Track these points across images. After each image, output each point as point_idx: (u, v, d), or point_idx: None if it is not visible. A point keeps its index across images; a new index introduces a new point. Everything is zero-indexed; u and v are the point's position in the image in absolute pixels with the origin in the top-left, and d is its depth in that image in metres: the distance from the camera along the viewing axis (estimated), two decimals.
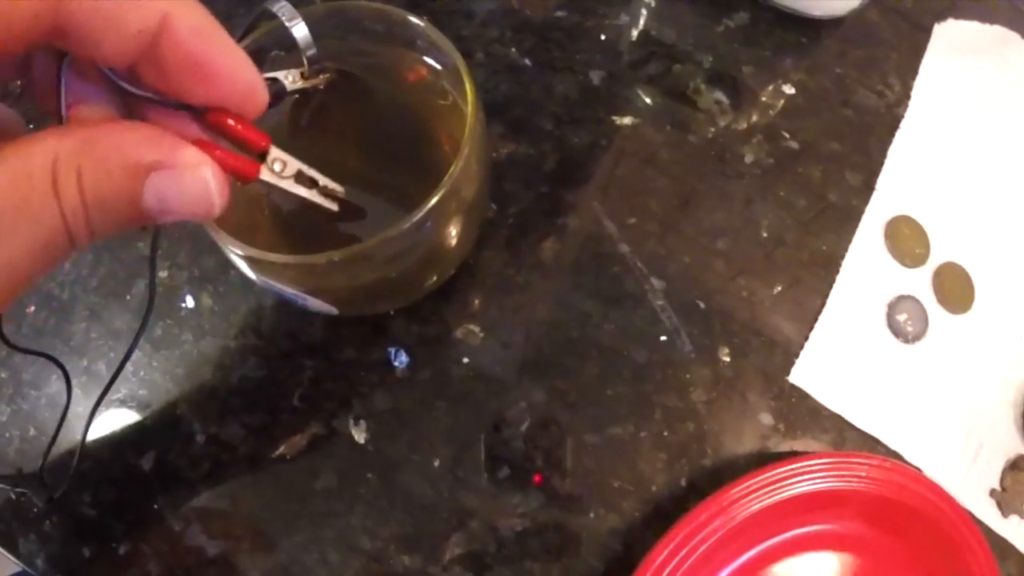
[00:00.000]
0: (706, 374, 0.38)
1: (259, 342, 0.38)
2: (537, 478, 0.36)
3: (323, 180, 0.24)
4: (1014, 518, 0.42)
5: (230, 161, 0.21)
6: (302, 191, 0.24)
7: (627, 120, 0.41)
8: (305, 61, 0.33)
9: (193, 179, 0.19)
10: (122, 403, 0.38)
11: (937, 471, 0.39)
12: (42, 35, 0.17)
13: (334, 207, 0.25)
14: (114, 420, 0.38)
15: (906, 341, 0.41)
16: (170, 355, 0.38)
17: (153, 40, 0.18)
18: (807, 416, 0.38)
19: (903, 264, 0.42)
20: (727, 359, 0.38)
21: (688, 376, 0.38)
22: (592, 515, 0.36)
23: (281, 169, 0.23)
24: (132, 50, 0.19)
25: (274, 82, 0.31)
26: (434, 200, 0.29)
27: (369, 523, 0.36)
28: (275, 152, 0.22)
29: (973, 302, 0.42)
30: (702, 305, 0.39)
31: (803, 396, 0.39)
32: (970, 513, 0.39)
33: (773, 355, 0.39)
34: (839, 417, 0.39)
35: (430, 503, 0.36)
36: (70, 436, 0.37)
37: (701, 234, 0.40)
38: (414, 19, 0.32)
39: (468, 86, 0.30)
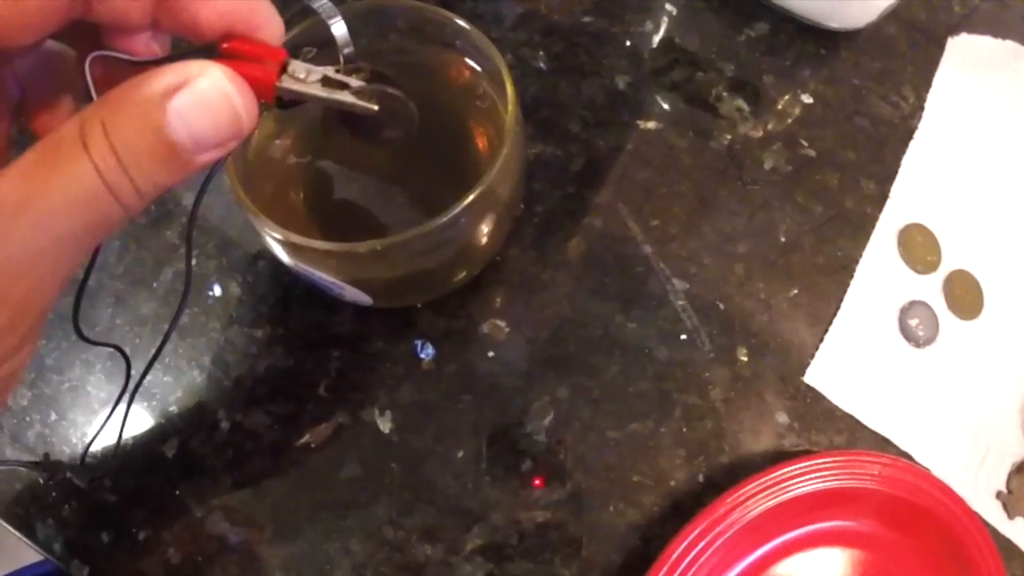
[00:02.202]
0: (724, 373, 0.39)
1: (286, 332, 0.38)
2: (541, 482, 0.37)
3: (355, 82, 0.22)
4: (1020, 520, 0.43)
5: (244, 69, 0.20)
6: (333, 96, 0.22)
7: (651, 124, 0.42)
8: (342, 59, 0.33)
9: (211, 86, 0.19)
10: (146, 390, 0.38)
11: (946, 472, 0.40)
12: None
13: (373, 107, 0.23)
14: (138, 407, 0.38)
15: (917, 345, 0.42)
16: (196, 343, 0.38)
17: None
18: (821, 416, 0.39)
19: (915, 270, 0.43)
20: (745, 359, 0.39)
21: (707, 375, 0.39)
22: (612, 509, 0.37)
23: (305, 76, 0.21)
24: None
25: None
26: (472, 196, 0.30)
27: (392, 513, 0.36)
28: (296, 63, 0.21)
29: (982, 309, 0.44)
30: (722, 306, 0.40)
31: (818, 397, 0.40)
32: (977, 514, 0.40)
33: (789, 356, 0.40)
34: (852, 418, 0.40)
35: (453, 494, 0.37)
36: (97, 422, 0.38)
37: (721, 238, 0.41)
38: (458, 20, 0.32)
39: (509, 87, 0.31)
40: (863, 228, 0.43)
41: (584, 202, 0.40)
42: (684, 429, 0.38)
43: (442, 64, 0.35)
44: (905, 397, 0.41)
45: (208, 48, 0.20)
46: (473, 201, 0.30)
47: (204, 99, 0.18)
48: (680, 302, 0.39)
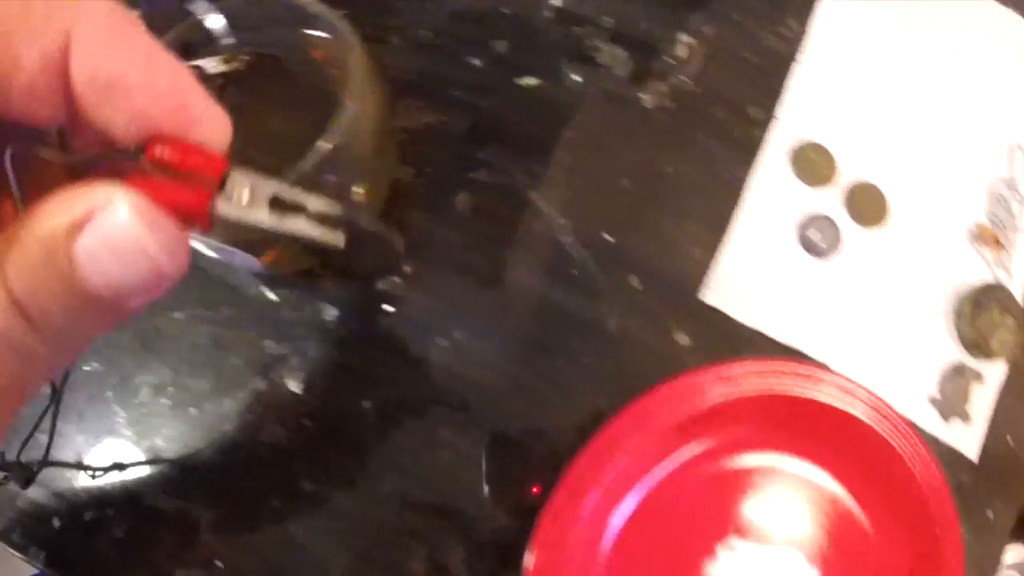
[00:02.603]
0: (619, 303, 0.40)
1: (204, 310, 0.41)
2: (447, 425, 0.38)
3: (314, 201, 0.17)
4: (957, 423, 0.42)
5: (167, 194, 0.16)
6: (286, 223, 0.17)
7: (532, 81, 0.44)
8: (224, 49, 0.37)
9: (117, 223, 0.15)
10: (75, 379, 0.41)
11: (867, 379, 0.40)
12: None
13: (338, 239, 0.18)
14: (69, 395, 0.41)
15: (819, 256, 0.42)
16: (121, 327, 0.41)
17: (61, 66, 0.15)
18: (724, 335, 0.40)
19: (811, 186, 0.43)
20: (638, 286, 0.40)
21: (602, 307, 0.40)
22: (517, 442, 0.38)
23: (248, 198, 0.17)
24: (49, 89, 0.15)
25: (196, 70, 0.35)
26: (324, 147, 0.32)
27: (310, 468, 0.38)
28: (238, 176, 0.17)
29: (888, 216, 0.43)
30: (611, 239, 0.41)
31: (718, 316, 0.40)
32: (909, 420, 0.39)
33: (684, 280, 0.40)
34: (759, 334, 0.40)
35: (364, 444, 0.38)
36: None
37: (607, 176, 0.42)
38: (311, 4, 0.36)
39: (353, 45, 0.34)
40: (754, 152, 0.43)
41: (470, 160, 0.42)
42: (585, 360, 0.39)
43: (310, 43, 0.39)
44: (813, 308, 0.41)
45: (133, 153, 0.16)
46: (324, 158, 0.32)
47: (112, 239, 0.15)
48: (568, 238, 0.41)
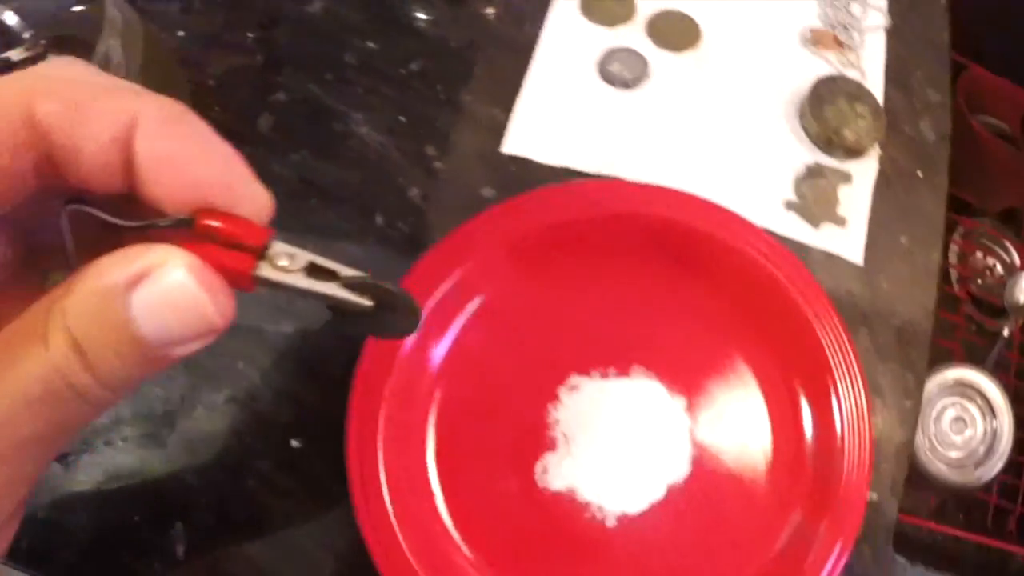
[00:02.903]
0: (419, 174, 0.38)
1: None
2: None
3: (345, 270, 0.20)
4: (830, 227, 0.38)
5: (216, 257, 0.17)
6: (318, 287, 0.19)
7: (316, 7, 0.45)
8: (24, 40, 0.40)
9: (174, 280, 0.16)
10: None
11: (711, 194, 0.36)
12: (34, 167, 0.17)
13: (366, 303, 0.20)
14: None
15: (627, 87, 0.39)
16: None
17: (127, 146, 0.17)
18: (532, 181, 0.37)
19: (608, 26, 0.41)
20: (435, 154, 0.39)
21: (402, 180, 0.38)
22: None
23: (288, 263, 0.19)
24: (112, 162, 0.17)
25: (6, 61, 0.38)
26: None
27: None
28: (279, 246, 0.19)
29: (700, 39, 0.41)
30: (403, 119, 0.40)
31: (524, 163, 0.38)
32: (774, 233, 0.35)
33: (484, 137, 0.39)
34: (570, 172, 0.37)
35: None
36: None
37: (393, 64, 0.42)
38: None
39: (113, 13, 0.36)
40: (544, 11, 0.42)
41: (270, 85, 0.43)
42: (389, 230, 0.37)
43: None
44: (629, 137, 0.38)
45: (185, 222, 0.18)
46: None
47: (168, 295, 0.16)
48: (363, 129, 0.40)
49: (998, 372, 0.51)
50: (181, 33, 0.45)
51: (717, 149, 0.38)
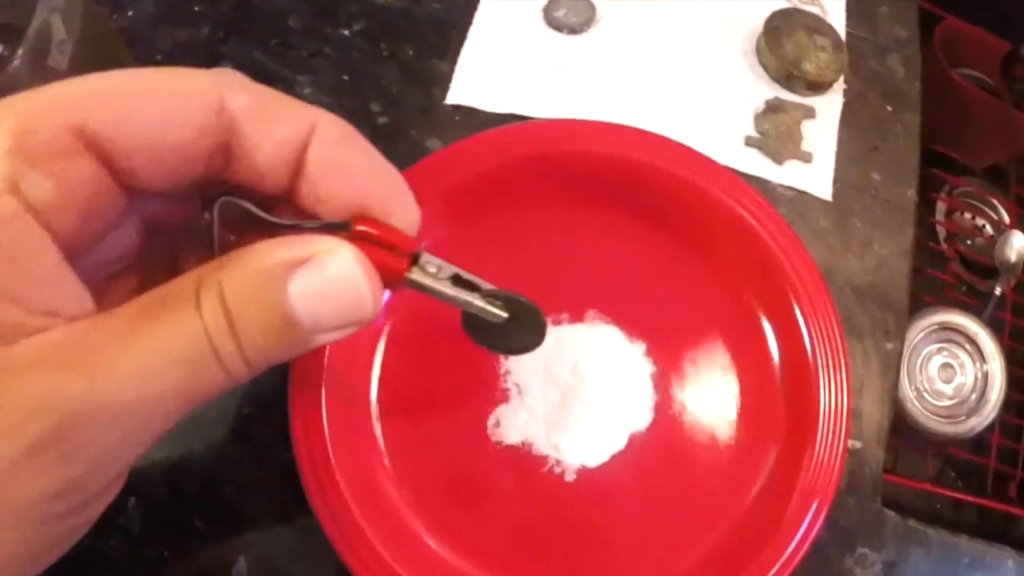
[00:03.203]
0: (363, 128, 0.36)
1: None
2: None
3: (486, 285, 0.21)
4: (792, 163, 0.36)
5: (374, 255, 0.19)
6: (462, 295, 0.21)
7: None
8: None
9: (339, 267, 0.17)
10: None
11: (666, 133, 0.34)
12: (209, 152, 0.18)
13: (502, 314, 0.22)
14: None
15: (573, 32, 0.38)
16: None
17: (302, 149, 0.18)
18: (478, 130, 0.35)
19: None
20: (379, 109, 0.37)
21: None
22: None
23: (436, 272, 0.20)
24: (286, 161, 0.18)
25: None
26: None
27: None
28: (427, 256, 0.20)
29: None
30: (346, 78, 0.38)
31: (469, 112, 0.36)
32: (735, 171, 0.33)
33: (429, 90, 0.37)
34: (516, 120, 0.36)
35: None
36: None
37: (336, 26, 0.40)
38: None
39: None
40: None
41: (214, 55, 0.42)
42: None
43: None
44: (576, 82, 0.37)
45: (339, 225, 0.19)
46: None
47: (330, 280, 0.17)
48: (307, 91, 0.38)
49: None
50: (131, 13, 0.44)
51: (671, 89, 0.37)
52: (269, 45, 0.41)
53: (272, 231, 0.19)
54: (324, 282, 0.17)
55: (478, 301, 0.21)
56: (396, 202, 0.19)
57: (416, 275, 0.20)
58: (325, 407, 0.29)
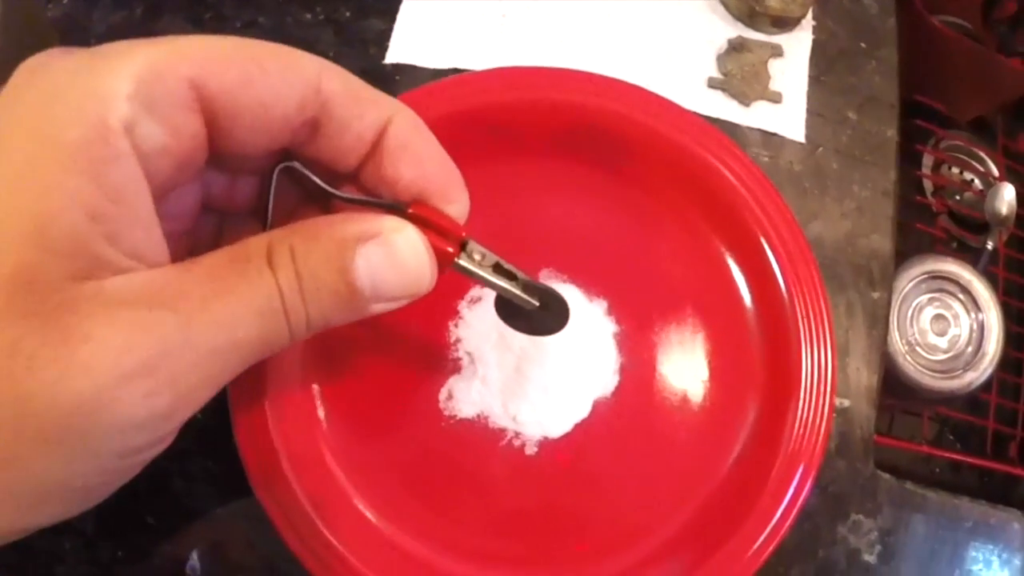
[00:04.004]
0: None
1: None
2: None
3: (522, 274, 0.23)
4: (760, 104, 0.33)
5: (431, 237, 0.20)
6: (502, 282, 0.22)
7: None
8: None
9: (405, 243, 0.19)
10: None
11: (624, 77, 0.32)
12: (301, 126, 0.19)
13: (535, 302, 0.23)
14: None
15: None
16: None
17: (381, 133, 0.20)
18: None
19: None
20: None
21: None
22: None
23: (480, 259, 0.22)
24: (367, 143, 0.20)
25: None
26: None
27: None
28: (473, 244, 0.22)
29: None
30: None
31: (410, 71, 0.34)
32: (699, 114, 0.31)
33: (367, 51, 0.35)
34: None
35: None
36: None
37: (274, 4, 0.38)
38: None
39: None
40: None
41: (149, 33, 0.39)
42: None
43: None
44: (523, 31, 0.34)
45: (396, 205, 0.20)
46: None
47: (395, 253, 0.19)
48: None
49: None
50: (65, 0, 0.42)
51: (625, 32, 0.34)
52: (203, 19, 0.39)
53: (326, 203, 0.21)
54: (389, 255, 0.19)
55: (516, 290, 0.23)
56: (452, 191, 0.21)
57: (464, 260, 0.21)
58: (266, 391, 0.26)
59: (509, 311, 0.24)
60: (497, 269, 0.22)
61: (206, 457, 0.30)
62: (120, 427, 0.16)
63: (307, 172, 0.20)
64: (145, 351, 0.16)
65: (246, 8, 0.38)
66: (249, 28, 0.38)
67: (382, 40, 0.35)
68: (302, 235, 0.18)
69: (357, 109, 0.19)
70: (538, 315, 0.24)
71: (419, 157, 0.20)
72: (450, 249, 0.21)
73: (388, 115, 0.20)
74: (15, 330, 0.15)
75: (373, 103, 0.20)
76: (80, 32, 0.40)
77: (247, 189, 0.22)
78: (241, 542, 0.29)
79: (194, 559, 0.29)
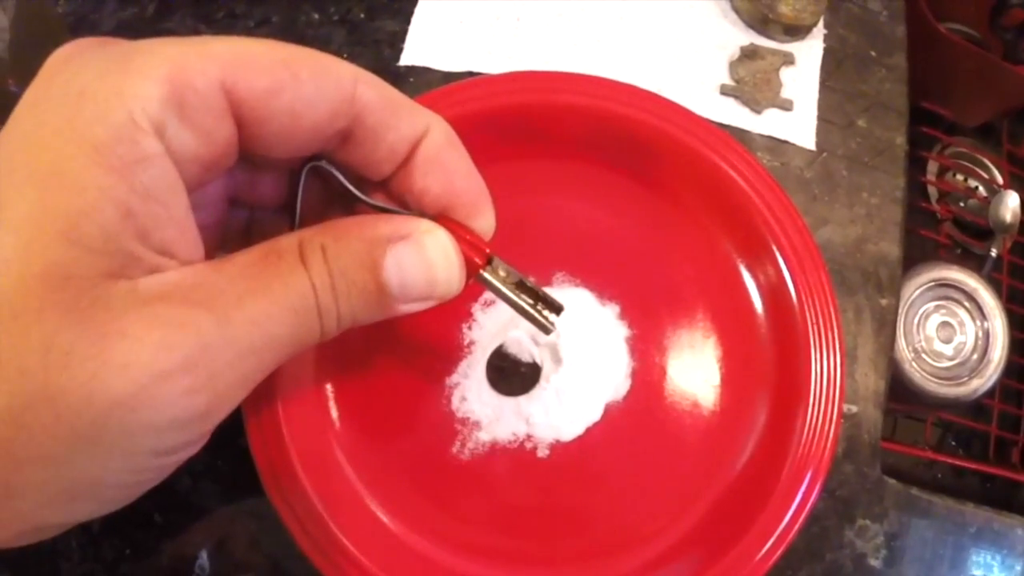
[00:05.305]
0: None
1: None
2: None
3: (543, 292, 0.23)
4: (771, 112, 0.34)
5: (460, 246, 0.20)
6: (522, 301, 0.22)
7: None
8: None
9: (435, 245, 0.19)
10: None
11: (637, 83, 0.32)
12: (331, 135, 0.19)
13: (552, 327, 0.23)
14: None
15: None
16: None
17: (416, 145, 0.20)
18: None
19: None
20: None
21: None
22: None
23: (504, 276, 0.22)
24: (400, 154, 0.20)
25: None
26: None
27: None
28: (497, 260, 0.22)
29: None
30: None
31: (423, 73, 0.34)
32: (711, 121, 0.31)
33: (381, 52, 0.35)
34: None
35: None
36: None
37: (287, 8, 0.38)
38: None
39: None
40: None
41: (159, 31, 0.39)
42: None
43: None
44: (538, 34, 0.34)
45: (430, 216, 0.20)
46: None
47: (425, 255, 0.19)
48: None
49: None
50: None
51: (638, 38, 0.34)
52: (214, 17, 0.39)
53: (351, 204, 0.21)
54: (420, 257, 0.19)
55: (533, 312, 0.22)
56: (479, 207, 0.21)
57: (488, 273, 0.21)
58: (279, 392, 0.26)
59: (500, 375, 0.25)
60: (520, 287, 0.22)
61: (213, 455, 0.29)
62: (157, 426, 0.16)
63: (336, 173, 0.20)
64: (183, 349, 0.16)
65: (258, 6, 0.38)
66: (261, 27, 0.38)
67: (395, 41, 0.35)
68: (333, 234, 0.18)
69: (393, 120, 0.19)
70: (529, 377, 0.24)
71: (450, 171, 0.20)
72: (477, 260, 0.21)
73: (424, 127, 0.20)
74: (50, 326, 0.15)
75: (409, 115, 0.20)
76: (89, 28, 0.40)
77: (273, 185, 0.21)
78: (247, 540, 0.29)
79: (203, 558, 0.28)
